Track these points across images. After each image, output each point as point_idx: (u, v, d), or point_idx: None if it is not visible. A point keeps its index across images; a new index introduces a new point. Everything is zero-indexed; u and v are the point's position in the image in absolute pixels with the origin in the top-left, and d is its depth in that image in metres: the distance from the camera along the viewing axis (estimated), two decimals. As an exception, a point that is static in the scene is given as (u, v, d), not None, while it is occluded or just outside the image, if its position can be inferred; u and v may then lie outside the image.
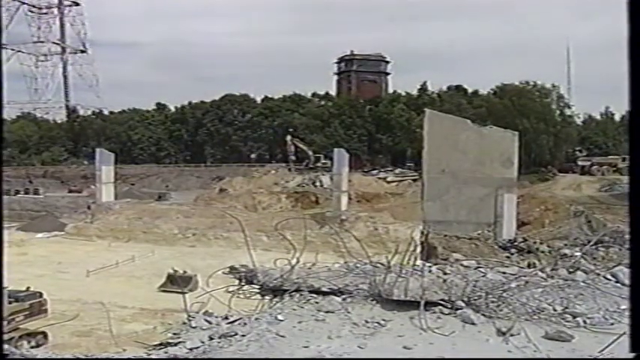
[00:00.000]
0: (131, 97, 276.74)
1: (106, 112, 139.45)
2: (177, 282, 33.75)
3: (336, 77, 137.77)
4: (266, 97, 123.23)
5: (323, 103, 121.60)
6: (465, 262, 13.86)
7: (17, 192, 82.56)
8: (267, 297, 11.65)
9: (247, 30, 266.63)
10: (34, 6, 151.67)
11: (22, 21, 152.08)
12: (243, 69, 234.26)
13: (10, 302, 21.97)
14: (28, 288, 23.77)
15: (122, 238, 53.00)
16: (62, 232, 56.74)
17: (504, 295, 10.54)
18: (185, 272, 34.17)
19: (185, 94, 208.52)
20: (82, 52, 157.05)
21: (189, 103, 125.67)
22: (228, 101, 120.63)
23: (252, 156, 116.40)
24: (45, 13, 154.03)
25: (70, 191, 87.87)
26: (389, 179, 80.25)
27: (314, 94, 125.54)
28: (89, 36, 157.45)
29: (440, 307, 10.21)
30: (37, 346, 20.53)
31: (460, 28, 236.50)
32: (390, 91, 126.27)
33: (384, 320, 10.02)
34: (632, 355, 4.02)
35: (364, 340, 9.25)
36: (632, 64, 3.87)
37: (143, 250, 46.55)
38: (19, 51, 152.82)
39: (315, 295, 11.12)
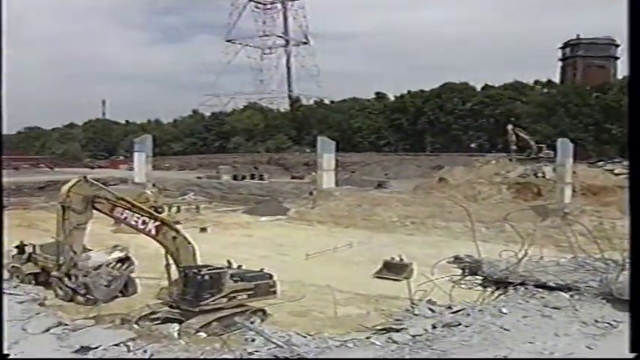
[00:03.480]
0: (351, 86, 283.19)
1: (327, 102, 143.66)
2: (393, 269, 33.78)
3: (560, 63, 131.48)
4: (486, 85, 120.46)
5: (546, 90, 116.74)
6: None
7: (244, 177, 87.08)
8: (489, 288, 11.11)
9: (458, 18, 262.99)
10: (259, 2, 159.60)
11: (248, 17, 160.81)
12: (459, 57, 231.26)
13: (235, 281, 22.92)
14: (262, 269, 24.67)
15: (341, 224, 53.97)
16: (284, 216, 58.87)
17: None
18: (401, 260, 34.08)
19: (401, 82, 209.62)
20: (304, 43, 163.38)
21: (409, 91, 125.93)
22: (448, 89, 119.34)
23: (473, 145, 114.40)
24: (269, 9, 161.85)
25: (293, 177, 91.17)
26: (616, 171, 75.21)
27: (536, 82, 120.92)
28: (310, 28, 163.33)
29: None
30: (253, 322, 21.21)
31: None
32: (620, 77, 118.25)
33: (615, 321, 9.18)
34: (632, 355, 4.14)
35: (594, 341, 8.53)
36: (632, 64, 3.87)
37: (361, 236, 47.06)
38: (246, 45, 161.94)
39: (541, 290, 10.45)
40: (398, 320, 9.68)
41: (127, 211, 23.76)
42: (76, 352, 5.94)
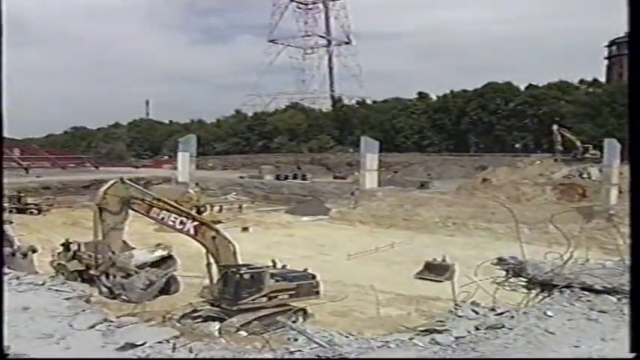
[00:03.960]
0: (393, 86, 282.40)
1: (369, 102, 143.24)
2: (435, 270, 33.61)
3: (606, 62, 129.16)
4: (530, 84, 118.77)
5: (592, 90, 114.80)
6: None
7: (286, 177, 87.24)
8: (534, 291, 10.94)
9: (502, 17, 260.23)
10: (301, 2, 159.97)
11: (290, 17, 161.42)
12: (502, 56, 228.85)
13: (277, 281, 22.99)
14: (306, 269, 24.70)
15: (383, 224, 53.84)
16: (326, 216, 58.88)
17: None
18: (443, 261, 33.90)
19: (445, 82, 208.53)
20: (346, 43, 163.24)
21: (451, 91, 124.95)
22: (491, 89, 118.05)
23: (517, 145, 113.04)
24: (311, 9, 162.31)
25: (335, 177, 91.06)
26: (667, 173, 73.72)
27: (581, 81, 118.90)
28: (352, 28, 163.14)
29: None
30: (295, 322, 21.25)
31: None
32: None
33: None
34: (632, 355, 4.00)
35: (642, 346, 8.26)
36: (632, 64, 3.80)
37: (403, 236, 46.89)
38: (288, 45, 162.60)
39: (587, 293, 10.26)
40: (441, 321, 9.58)
41: (164, 212, 23.85)
42: (121, 348, 6.04)
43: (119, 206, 24.10)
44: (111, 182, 24.67)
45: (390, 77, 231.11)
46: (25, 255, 23.51)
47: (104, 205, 23.98)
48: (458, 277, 25.62)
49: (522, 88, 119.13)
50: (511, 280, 11.86)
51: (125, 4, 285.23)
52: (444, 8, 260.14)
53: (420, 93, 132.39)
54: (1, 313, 4.32)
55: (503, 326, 8.77)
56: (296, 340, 7.96)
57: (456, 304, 10.35)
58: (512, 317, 9.34)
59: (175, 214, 23.70)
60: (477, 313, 9.84)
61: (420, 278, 33.65)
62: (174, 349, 6.04)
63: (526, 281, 11.37)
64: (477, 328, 8.78)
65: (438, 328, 8.95)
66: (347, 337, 8.07)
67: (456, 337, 8.30)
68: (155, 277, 26.76)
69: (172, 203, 25.26)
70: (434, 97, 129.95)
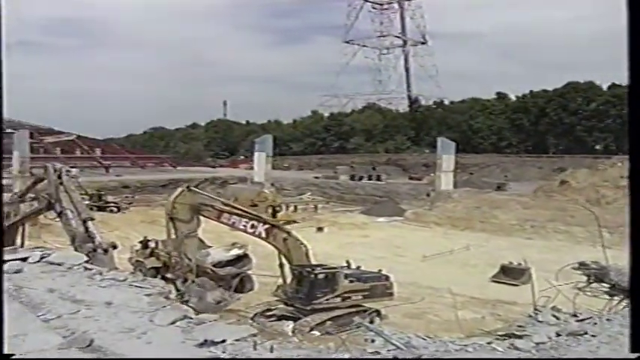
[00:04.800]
0: (471, 86, 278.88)
1: (446, 102, 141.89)
2: (511, 274, 33.05)
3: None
4: (613, 84, 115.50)
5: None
6: None
7: (361, 178, 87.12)
8: (617, 297, 10.58)
9: (582, 15, 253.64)
10: (376, 3, 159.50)
11: (366, 18, 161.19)
12: (584, 55, 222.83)
13: (351, 282, 23.02)
14: (380, 270, 24.67)
15: (459, 226, 53.26)
16: (401, 218, 58.58)
17: None
18: (520, 264, 33.31)
19: (525, 82, 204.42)
20: (422, 43, 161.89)
21: (531, 91, 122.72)
22: (572, 89, 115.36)
23: (598, 147, 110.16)
24: (386, 9, 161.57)
25: (411, 178, 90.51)
26: None
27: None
28: (428, 28, 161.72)
29: None
30: (371, 322, 21.20)
31: None
32: None
33: None
34: (632, 356, 4.01)
35: None
36: (632, 64, 3.84)
37: (478, 239, 46.33)
38: (363, 46, 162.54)
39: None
40: (520, 326, 9.38)
41: (235, 217, 24.06)
42: (201, 345, 6.15)
43: (189, 214, 24.31)
44: (179, 191, 24.91)
45: (467, 77, 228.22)
46: (105, 251, 24.07)
47: (175, 214, 24.21)
48: (536, 281, 25.18)
49: (605, 87, 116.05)
50: (593, 285, 11.52)
51: (205, 8, 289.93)
52: (521, 7, 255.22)
53: (498, 93, 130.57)
54: (1, 313, 4.41)
55: (586, 333, 8.51)
56: (373, 341, 7.93)
57: (536, 309, 10.09)
58: (595, 324, 9.06)
59: (246, 218, 23.89)
60: (557, 318, 9.59)
61: (496, 282, 33.17)
62: (255, 347, 6.10)
63: (609, 287, 11.02)
64: (558, 334, 8.55)
65: (517, 332, 8.77)
66: (424, 339, 7.99)
67: (537, 343, 8.11)
68: (228, 297, 26.98)
69: (242, 207, 25.44)
70: (513, 98, 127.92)
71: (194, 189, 25.46)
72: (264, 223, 23.98)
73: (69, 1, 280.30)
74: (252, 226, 23.62)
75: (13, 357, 4.46)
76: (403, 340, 7.68)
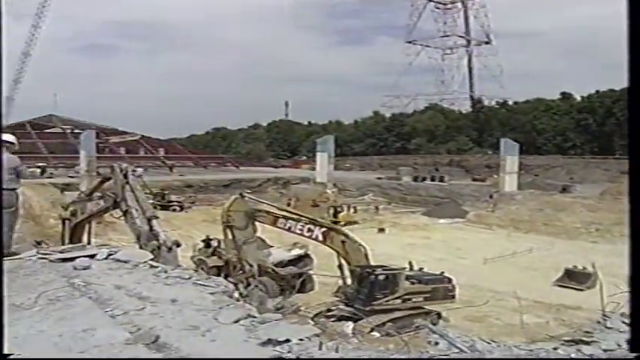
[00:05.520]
0: (535, 86, 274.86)
1: (510, 102, 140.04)
2: (576, 278, 32.45)
3: None
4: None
5: None
6: None
7: (424, 179, 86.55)
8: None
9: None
10: (439, 2, 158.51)
11: (428, 18, 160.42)
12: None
13: (412, 283, 22.94)
14: (442, 273, 24.54)
15: (522, 228, 52.53)
16: (463, 219, 58.07)
17: None
18: (584, 268, 32.67)
19: (588, 82, 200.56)
20: (486, 43, 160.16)
21: (597, 91, 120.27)
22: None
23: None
24: (450, 9, 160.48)
25: (474, 180, 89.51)
26: None
27: None
28: (493, 27, 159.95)
29: None
30: (433, 324, 21.08)
31: None
32: None
33: None
34: (632, 355, 4.00)
35: None
36: (632, 64, 3.88)
37: (542, 242, 45.60)
38: (426, 46, 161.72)
39: None
40: (587, 332, 9.17)
41: (290, 221, 24.18)
42: (264, 344, 6.22)
43: (245, 221, 24.53)
44: (232, 199, 25.18)
45: (532, 77, 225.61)
46: (170, 249, 24.48)
47: (231, 222, 24.48)
48: (603, 286, 24.67)
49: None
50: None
51: (268, 9, 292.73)
52: (586, 4, 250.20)
53: (563, 93, 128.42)
54: (2, 313, 4.50)
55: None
56: (437, 343, 7.88)
57: (604, 315, 9.85)
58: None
59: (302, 222, 23.98)
60: (627, 325, 9.33)
61: (560, 286, 32.60)
62: (320, 347, 6.14)
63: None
64: (627, 342, 8.34)
65: (584, 338, 8.59)
66: (489, 343, 7.90)
67: (605, 350, 7.93)
68: (288, 305, 27.11)
69: (296, 212, 25.61)
70: (578, 98, 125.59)
71: (247, 195, 25.73)
72: (321, 226, 24.03)
73: (143, 5, 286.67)
74: (309, 230, 23.66)
75: (12, 357, 4.57)
76: (467, 343, 7.60)
